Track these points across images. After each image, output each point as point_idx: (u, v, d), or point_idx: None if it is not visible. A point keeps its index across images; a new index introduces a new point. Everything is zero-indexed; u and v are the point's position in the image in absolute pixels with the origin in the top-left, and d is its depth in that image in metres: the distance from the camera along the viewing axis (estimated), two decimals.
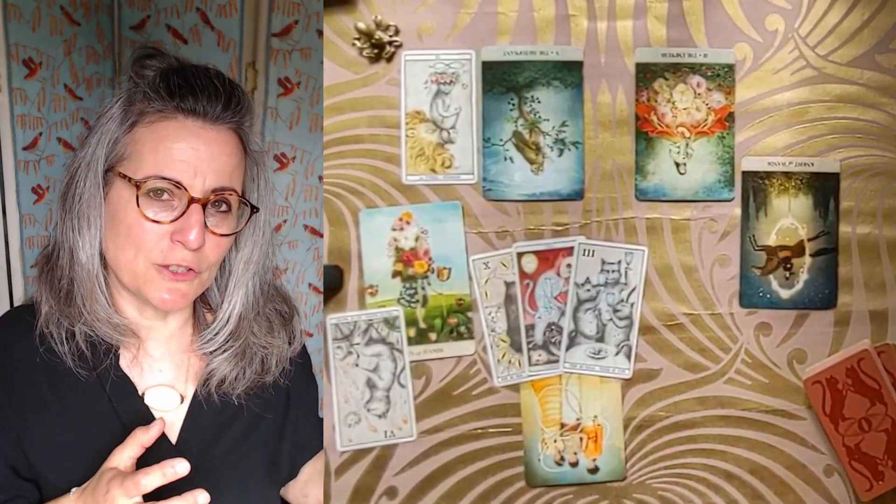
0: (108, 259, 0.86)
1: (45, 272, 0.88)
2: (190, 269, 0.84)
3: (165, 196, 0.82)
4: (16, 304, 1.79)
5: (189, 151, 0.82)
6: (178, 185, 0.81)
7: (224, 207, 0.86)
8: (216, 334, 0.92)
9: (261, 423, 0.96)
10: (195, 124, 0.83)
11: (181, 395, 0.92)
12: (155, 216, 0.82)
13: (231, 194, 0.86)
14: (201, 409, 0.92)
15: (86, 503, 0.81)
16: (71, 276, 0.86)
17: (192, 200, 0.82)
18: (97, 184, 0.83)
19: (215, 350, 0.92)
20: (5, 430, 0.87)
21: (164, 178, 0.81)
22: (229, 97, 0.85)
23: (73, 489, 0.84)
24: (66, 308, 0.86)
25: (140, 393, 0.90)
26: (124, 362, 0.90)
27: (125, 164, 0.83)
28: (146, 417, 0.90)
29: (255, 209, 0.90)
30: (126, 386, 0.90)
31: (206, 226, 0.83)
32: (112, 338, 0.88)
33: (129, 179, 0.82)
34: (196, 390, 0.93)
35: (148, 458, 0.88)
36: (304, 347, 1.05)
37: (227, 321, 0.92)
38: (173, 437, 0.91)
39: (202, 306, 0.97)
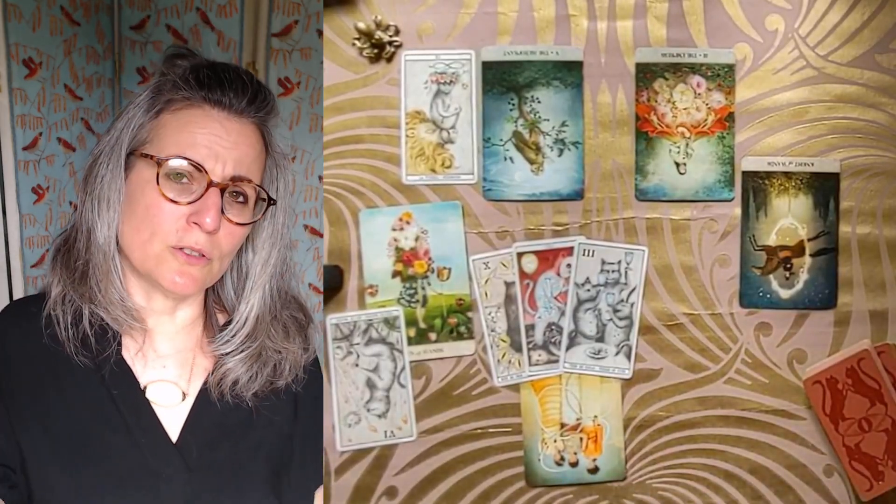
0: (123, 243, 0.88)
1: (61, 253, 0.90)
2: (203, 255, 0.86)
3: (185, 179, 0.84)
4: None
5: (211, 137, 0.85)
6: (198, 167, 0.84)
7: (241, 198, 0.88)
8: (233, 336, 0.92)
9: (266, 428, 0.95)
10: (220, 114, 0.86)
11: (183, 393, 0.92)
12: (173, 197, 0.84)
13: (249, 184, 0.88)
14: (205, 409, 0.92)
15: None
16: (87, 257, 0.87)
17: (210, 184, 0.84)
18: (119, 166, 0.86)
19: (231, 351, 0.92)
20: None
21: (185, 159, 0.84)
22: (255, 93, 0.88)
23: None
24: (79, 287, 0.87)
25: (142, 386, 0.90)
26: (128, 354, 0.91)
27: (148, 146, 0.86)
28: (146, 411, 0.90)
29: (272, 201, 0.92)
30: (127, 377, 0.90)
31: (222, 212, 0.85)
32: (120, 324, 0.89)
33: (151, 157, 0.84)
34: (200, 389, 0.93)
35: (148, 456, 0.88)
36: (316, 359, 1.05)
37: (245, 323, 0.93)
38: (174, 435, 0.90)
39: (214, 306, 0.97)
